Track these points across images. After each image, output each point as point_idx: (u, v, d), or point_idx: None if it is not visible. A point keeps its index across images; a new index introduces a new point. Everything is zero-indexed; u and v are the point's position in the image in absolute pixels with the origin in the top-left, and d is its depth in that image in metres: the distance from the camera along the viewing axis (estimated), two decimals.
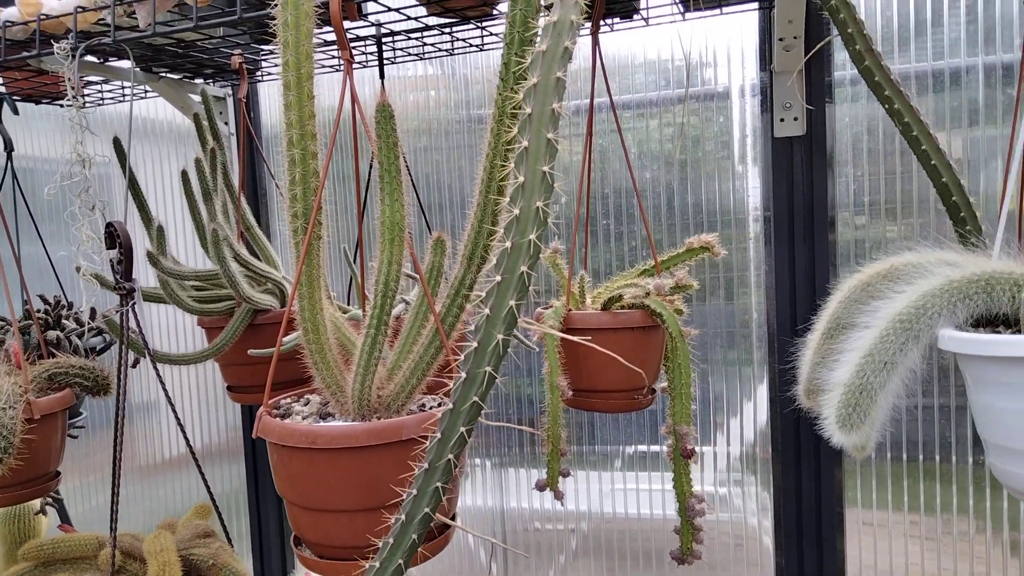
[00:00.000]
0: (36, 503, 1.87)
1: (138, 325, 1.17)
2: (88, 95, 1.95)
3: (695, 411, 1.75)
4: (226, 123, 2.02)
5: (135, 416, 2.47)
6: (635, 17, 1.50)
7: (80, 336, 1.69)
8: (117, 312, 1.15)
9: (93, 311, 1.73)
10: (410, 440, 0.91)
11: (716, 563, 1.83)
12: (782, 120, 1.54)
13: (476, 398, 0.69)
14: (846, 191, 1.58)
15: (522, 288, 0.69)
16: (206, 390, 2.34)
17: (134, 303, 1.13)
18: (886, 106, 0.95)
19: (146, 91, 1.94)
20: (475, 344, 0.69)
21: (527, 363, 1.91)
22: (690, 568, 1.25)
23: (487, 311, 0.68)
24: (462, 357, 0.71)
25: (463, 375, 0.69)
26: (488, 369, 0.69)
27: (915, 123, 0.95)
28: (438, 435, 0.70)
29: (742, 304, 1.70)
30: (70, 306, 1.77)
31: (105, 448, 2.44)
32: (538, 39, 0.72)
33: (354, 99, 0.99)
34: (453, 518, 1.04)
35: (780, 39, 1.46)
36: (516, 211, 0.69)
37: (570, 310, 1.24)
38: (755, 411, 1.74)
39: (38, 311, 1.68)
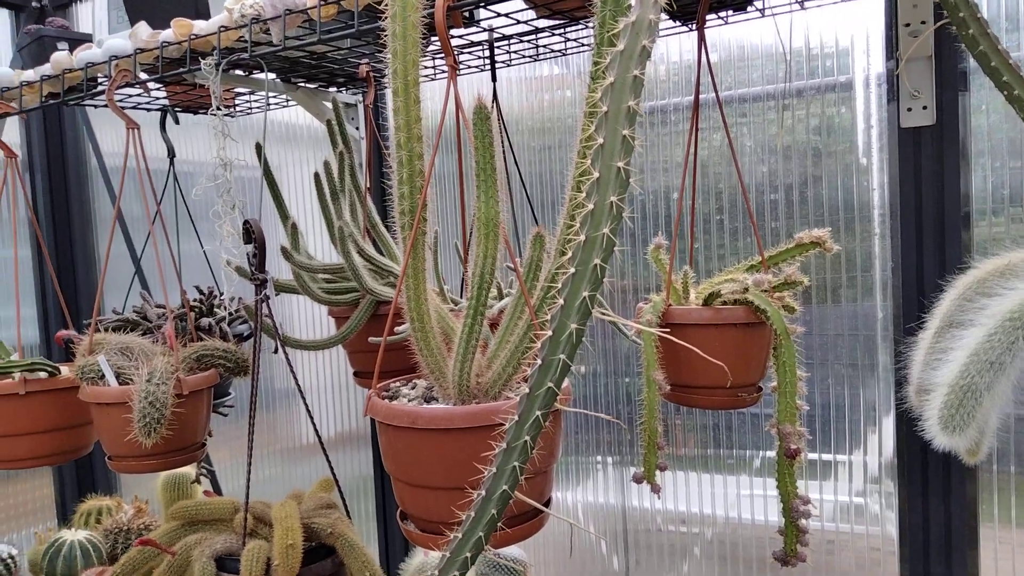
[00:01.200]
0: (192, 472, 2.09)
1: (270, 312, 1.29)
2: (238, 104, 2.15)
3: (812, 414, 1.69)
4: (357, 128, 2.16)
5: (278, 402, 2.68)
6: (749, 8, 1.47)
7: (229, 323, 1.87)
8: (254, 300, 1.27)
9: (240, 300, 1.92)
10: (502, 424, 0.96)
11: (836, 570, 1.75)
12: (909, 109, 1.46)
13: (551, 384, 0.72)
14: (983, 185, 1.47)
15: (595, 280, 0.71)
16: (339, 378, 2.51)
17: (267, 292, 1.25)
18: (1005, 93, 0.90)
19: (287, 100, 2.11)
20: (550, 332, 0.72)
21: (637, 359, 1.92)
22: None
23: (561, 302, 0.72)
24: (538, 345, 0.74)
25: (539, 362, 0.73)
26: (562, 357, 0.72)
27: None
28: (516, 417, 0.74)
29: (866, 306, 1.62)
30: (223, 295, 1.97)
31: (256, 430, 2.67)
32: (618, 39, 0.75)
33: (457, 104, 1.05)
34: (547, 504, 1.08)
35: (906, 24, 1.38)
36: (591, 206, 0.71)
37: (670, 305, 1.24)
38: (878, 417, 1.65)
39: (193, 300, 1.88)
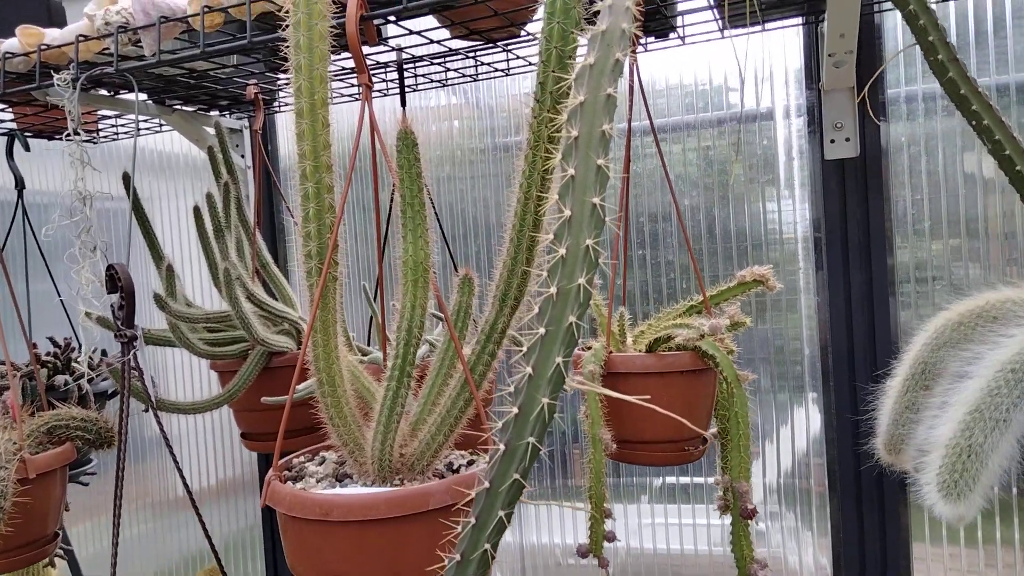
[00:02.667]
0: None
1: (140, 374, 1.08)
2: (102, 129, 1.89)
3: None
4: (242, 156, 1.95)
5: (149, 452, 2.38)
6: (671, 36, 1.40)
7: (90, 380, 1.60)
8: (119, 361, 1.05)
9: (105, 353, 1.65)
10: (439, 509, 0.81)
11: None
12: (832, 141, 1.43)
13: (517, 475, 0.58)
14: (904, 216, 1.46)
15: (570, 342, 0.58)
16: (222, 421, 2.25)
17: (136, 351, 1.04)
18: (973, 123, 0.84)
19: (161, 125, 1.88)
20: (515, 410, 0.58)
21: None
22: None
23: (529, 370, 0.57)
24: (499, 425, 0.60)
25: (501, 448, 0.58)
26: (531, 440, 0.58)
27: (1007, 140, 0.83)
28: (472, 520, 0.58)
29: (792, 333, 1.58)
30: (80, 348, 1.69)
31: (124, 484, 2.34)
32: (583, 53, 0.62)
33: (373, 126, 0.90)
34: None
35: (830, 55, 1.35)
36: (562, 251, 0.58)
37: (611, 352, 1.13)
38: (808, 447, 1.60)
39: (45, 355, 1.60)
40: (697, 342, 1.06)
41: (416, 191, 0.83)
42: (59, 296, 1.76)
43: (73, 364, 1.64)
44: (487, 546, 0.58)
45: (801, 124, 1.54)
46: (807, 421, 1.59)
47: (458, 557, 0.58)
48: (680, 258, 1.63)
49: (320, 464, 0.97)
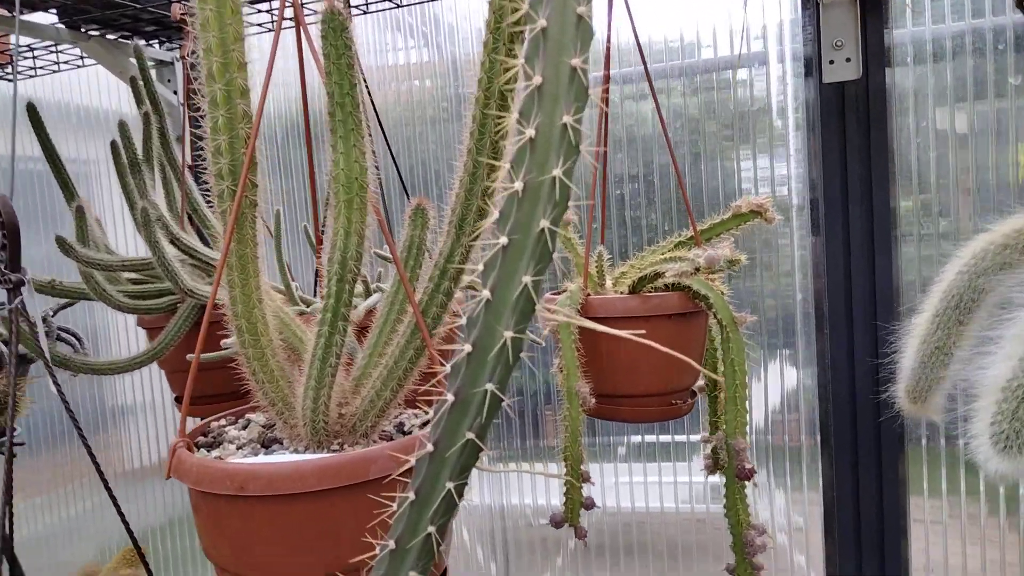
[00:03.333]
0: None
1: (30, 326, 0.91)
2: (8, 65, 1.68)
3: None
4: (175, 92, 1.75)
5: (93, 425, 2.19)
6: None
7: (6, 342, 1.42)
8: (5, 310, 0.88)
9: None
10: (382, 479, 0.66)
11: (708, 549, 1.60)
12: (831, 62, 1.28)
13: (472, 434, 0.43)
14: (909, 144, 1.32)
15: (542, 255, 0.43)
16: (163, 392, 2.08)
17: (22, 299, 0.86)
18: None
19: (83, 58, 1.67)
20: (468, 347, 0.43)
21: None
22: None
23: (487, 294, 0.42)
24: (448, 368, 0.44)
25: (449, 398, 0.43)
26: (490, 387, 0.43)
27: None
28: (411, 496, 0.43)
29: (784, 281, 1.44)
30: None
31: (52, 466, 2.17)
32: None
33: (297, 12, 0.73)
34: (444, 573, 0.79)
35: None
36: (530, 131, 0.42)
37: (588, 295, 0.98)
38: (797, 399, 1.48)
39: None
40: (687, 280, 0.92)
41: (348, 88, 0.66)
42: None
43: None
44: (431, 529, 0.43)
45: (797, 48, 1.39)
46: (798, 371, 1.47)
47: (392, 544, 0.43)
48: (662, 195, 1.48)
49: (243, 428, 0.82)
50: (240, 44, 0.72)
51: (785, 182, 1.41)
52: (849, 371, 1.35)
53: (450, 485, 0.43)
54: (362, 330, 1.02)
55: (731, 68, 1.44)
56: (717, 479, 1.65)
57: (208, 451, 0.76)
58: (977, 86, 1.27)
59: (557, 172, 0.43)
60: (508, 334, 0.42)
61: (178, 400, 1.40)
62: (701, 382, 1.10)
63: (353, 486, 0.65)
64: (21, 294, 0.87)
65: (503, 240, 0.43)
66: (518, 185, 0.43)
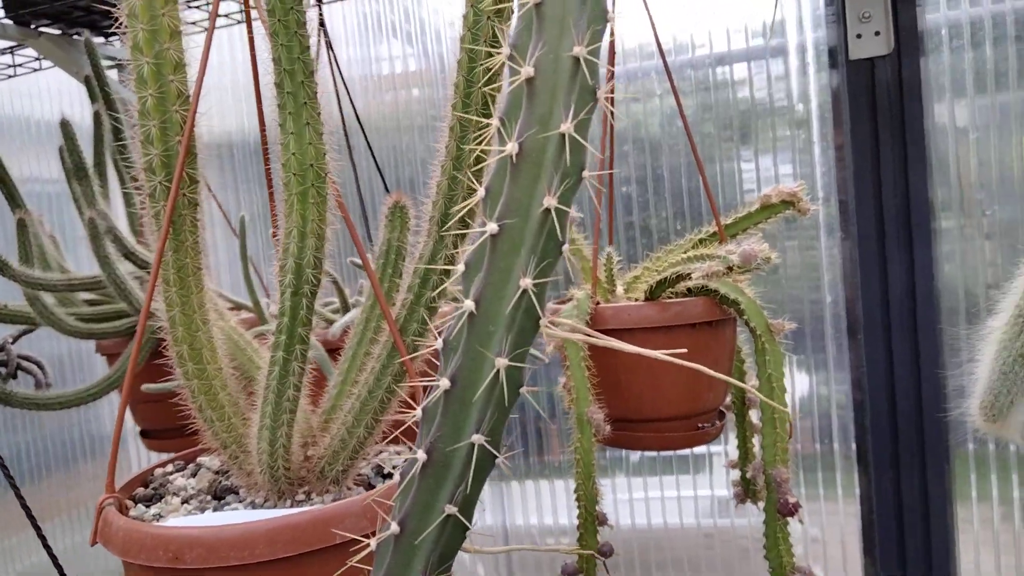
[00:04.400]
0: None
1: None
2: None
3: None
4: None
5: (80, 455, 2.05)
6: None
7: None
8: None
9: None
10: (352, 542, 0.52)
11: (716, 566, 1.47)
12: (859, 36, 1.15)
13: (453, 508, 0.29)
14: (945, 132, 1.19)
15: (548, 246, 0.29)
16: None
17: None
18: None
19: (40, 60, 1.54)
20: (445, 382, 0.29)
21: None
22: None
23: (470, 304, 0.29)
24: (419, 411, 0.31)
25: (421, 456, 0.29)
26: (479, 439, 0.29)
27: None
28: None
29: (810, 281, 1.31)
30: None
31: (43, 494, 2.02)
32: None
33: None
34: None
35: None
36: (527, 68, 0.29)
37: (598, 303, 0.85)
38: (830, 408, 1.35)
39: None
40: (714, 283, 0.79)
41: (298, 51, 0.53)
42: None
43: None
44: None
45: (820, 17, 1.26)
46: (829, 379, 1.34)
47: None
48: (672, 192, 1.35)
49: (192, 476, 0.68)
50: (173, 5, 0.59)
51: (809, 174, 1.28)
52: (887, 376, 1.21)
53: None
54: (337, 351, 0.89)
55: (746, 60, 1.31)
56: (726, 493, 1.54)
57: (147, 506, 0.63)
58: (1019, 69, 1.14)
59: (567, 127, 0.30)
60: (502, 362, 0.29)
61: (143, 434, 1.26)
62: (728, 399, 0.96)
63: (316, 552, 0.52)
64: None
65: (491, 227, 0.29)
66: (511, 147, 0.30)
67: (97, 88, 1.19)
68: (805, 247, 1.31)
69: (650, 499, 1.53)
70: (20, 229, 1.05)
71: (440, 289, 0.62)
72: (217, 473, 0.68)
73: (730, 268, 0.73)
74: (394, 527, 0.30)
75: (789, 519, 0.79)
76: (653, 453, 1.48)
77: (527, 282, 0.29)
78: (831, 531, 1.40)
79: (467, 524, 0.30)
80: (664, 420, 0.84)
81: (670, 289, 0.81)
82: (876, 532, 1.29)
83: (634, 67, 1.38)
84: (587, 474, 0.76)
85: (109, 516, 0.56)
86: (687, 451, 1.47)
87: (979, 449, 1.25)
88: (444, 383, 0.30)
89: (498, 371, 0.29)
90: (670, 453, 1.47)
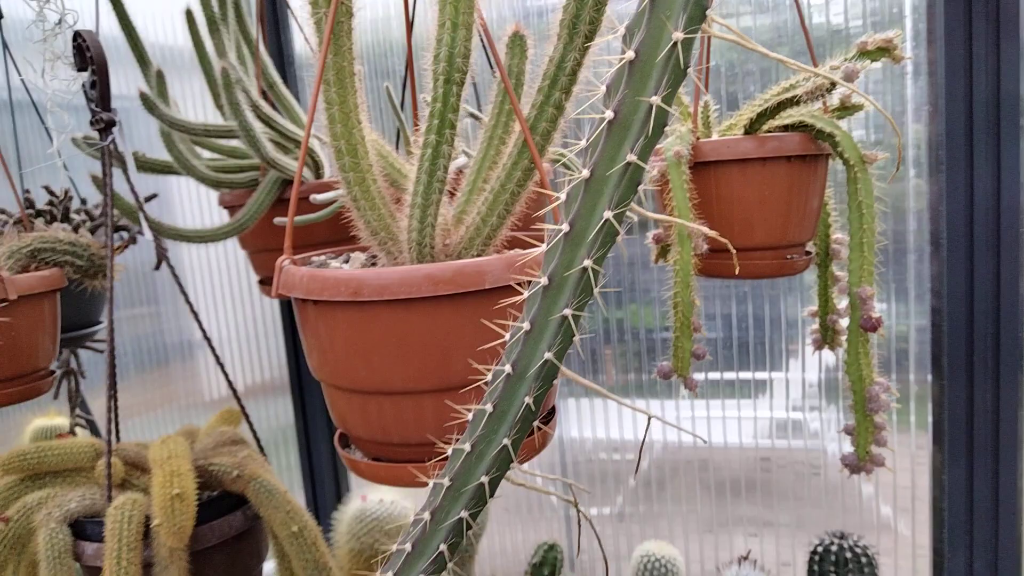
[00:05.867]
0: (65, 422, 1.66)
1: (127, 177, 0.89)
2: None
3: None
4: None
5: (173, 354, 2.23)
6: None
7: (92, 231, 1.43)
8: (97, 147, 0.86)
9: (67, 194, 1.46)
10: (496, 290, 0.62)
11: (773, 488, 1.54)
12: None
13: (589, 262, 0.37)
14: None
15: (676, 70, 0.36)
16: (248, 324, 2.09)
17: (113, 139, 0.84)
18: None
19: None
20: (586, 172, 0.37)
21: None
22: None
23: (609, 114, 0.36)
24: (563, 195, 0.39)
25: (564, 228, 0.37)
26: (609, 215, 0.37)
27: None
28: (465, 448, 0.38)
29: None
30: (82, 200, 1.52)
31: (146, 387, 2.22)
32: None
33: None
34: (552, 412, 0.75)
35: None
36: None
37: (698, 138, 0.91)
38: (908, 313, 1.38)
39: (46, 203, 1.43)
40: (809, 119, 0.84)
41: None
42: (50, 136, 1.57)
43: (71, 215, 1.47)
44: (483, 478, 0.38)
45: None
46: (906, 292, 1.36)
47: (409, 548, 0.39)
48: (761, 65, 1.37)
49: (346, 261, 0.79)
50: None
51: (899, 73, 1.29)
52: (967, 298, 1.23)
53: (567, 312, 0.38)
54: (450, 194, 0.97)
55: None
56: (785, 415, 1.59)
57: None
58: None
59: None
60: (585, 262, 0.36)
61: (261, 283, 1.39)
62: (812, 249, 1.02)
63: (466, 294, 0.61)
64: (112, 133, 0.85)
65: (629, 54, 0.36)
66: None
67: None
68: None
69: (711, 418, 1.60)
70: (159, 79, 1.15)
71: (568, 92, 0.70)
72: (367, 260, 0.78)
73: (833, 84, 0.78)
74: (544, 280, 0.38)
75: (871, 333, 0.86)
76: (717, 375, 1.55)
77: (656, 99, 0.36)
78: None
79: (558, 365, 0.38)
80: (755, 249, 0.91)
81: (769, 121, 0.87)
82: (945, 423, 1.32)
83: None
84: (684, 283, 0.84)
85: (291, 268, 0.67)
86: (749, 375, 1.54)
87: None
88: (585, 173, 0.37)
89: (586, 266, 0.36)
90: (732, 375, 1.53)
